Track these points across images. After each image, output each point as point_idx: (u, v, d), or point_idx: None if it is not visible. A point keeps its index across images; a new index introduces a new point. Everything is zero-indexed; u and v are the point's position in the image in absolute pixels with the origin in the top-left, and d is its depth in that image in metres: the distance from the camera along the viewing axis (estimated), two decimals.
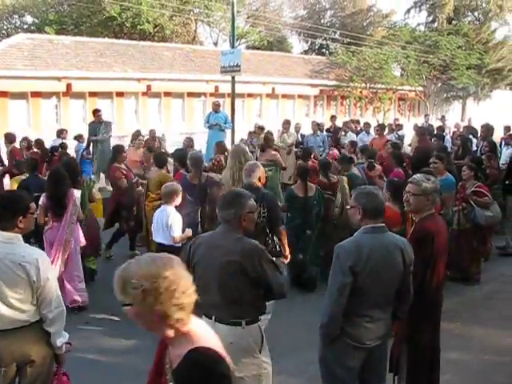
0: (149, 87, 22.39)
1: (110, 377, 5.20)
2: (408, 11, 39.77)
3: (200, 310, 3.51)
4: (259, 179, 5.67)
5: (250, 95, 25.89)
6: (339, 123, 18.08)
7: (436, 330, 4.40)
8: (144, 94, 22.80)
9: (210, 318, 3.61)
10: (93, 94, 21.34)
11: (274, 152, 10.77)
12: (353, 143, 11.30)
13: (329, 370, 3.77)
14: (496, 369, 5.48)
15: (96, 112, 14.03)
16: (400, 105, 34.63)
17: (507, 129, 15.01)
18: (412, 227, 4.48)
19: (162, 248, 6.02)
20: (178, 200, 6.40)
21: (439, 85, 34.36)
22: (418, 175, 4.43)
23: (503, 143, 12.70)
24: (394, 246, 3.67)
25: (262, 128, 14.56)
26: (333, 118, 18.10)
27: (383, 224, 3.74)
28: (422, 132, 12.54)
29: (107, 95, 21.66)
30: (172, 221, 6.21)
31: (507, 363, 5.58)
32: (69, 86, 20.17)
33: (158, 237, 6.41)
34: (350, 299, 3.55)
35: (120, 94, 22.06)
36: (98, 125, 13.78)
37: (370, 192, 3.76)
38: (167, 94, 23.50)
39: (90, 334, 6.18)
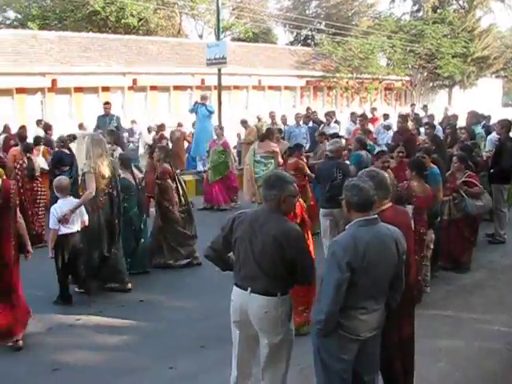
0: (134, 81, 22.26)
1: (104, 374, 5.17)
2: (393, 1, 39.87)
3: (238, 280, 3.95)
4: (337, 152, 7.88)
5: (236, 87, 25.84)
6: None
7: (404, 320, 4.32)
8: (130, 88, 22.67)
9: (245, 290, 3.88)
10: (78, 90, 21.19)
11: (273, 144, 10.48)
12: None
13: (323, 361, 3.73)
14: (487, 355, 5.49)
15: (104, 105, 13.60)
16: (386, 94, 34.73)
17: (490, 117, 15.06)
18: None
19: (74, 236, 6.71)
20: None
21: (425, 74, 34.47)
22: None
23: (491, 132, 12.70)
24: (389, 238, 3.63)
25: (245, 122, 14.66)
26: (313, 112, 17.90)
27: (376, 215, 3.72)
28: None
29: (93, 90, 21.52)
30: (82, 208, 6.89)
31: (498, 349, 5.60)
32: (54, 82, 20.03)
33: (74, 227, 6.76)
34: (346, 292, 3.51)
35: (106, 89, 21.91)
36: (107, 118, 13.22)
37: (356, 185, 3.68)
38: (153, 87, 23.39)
39: (80, 330, 6.14)
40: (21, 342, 5.61)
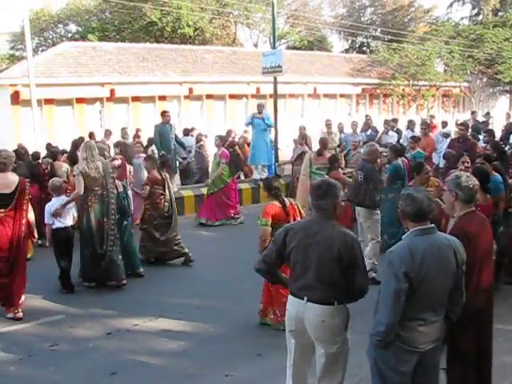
0: (191, 90, 22.55)
1: (160, 379, 5.22)
2: (450, 5, 38.95)
3: (294, 290, 3.96)
4: (369, 155, 8.11)
5: (291, 95, 25.78)
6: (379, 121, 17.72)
7: (481, 336, 4.16)
8: (186, 97, 22.98)
9: (302, 299, 3.88)
10: (136, 99, 21.63)
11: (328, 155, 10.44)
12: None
13: (380, 373, 3.66)
14: None
15: (165, 113, 13.47)
16: (444, 101, 33.96)
17: None
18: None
19: (66, 230, 7.45)
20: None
21: (485, 80, 33.54)
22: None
23: None
24: (447, 247, 3.56)
25: (303, 128, 14.60)
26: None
27: (433, 225, 3.64)
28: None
29: (150, 99, 21.92)
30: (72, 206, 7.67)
31: None
32: (112, 92, 20.49)
33: (67, 221, 7.51)
34: (404, 303, 3.46)
35: (162, 98, 22.28)
36: (167, 126, 13.17)
37: (410, 195, 3.64)
38: (209, 96, 23.62)
39: (138, 336, 6.22)
40: (20, 314, 6.55)
